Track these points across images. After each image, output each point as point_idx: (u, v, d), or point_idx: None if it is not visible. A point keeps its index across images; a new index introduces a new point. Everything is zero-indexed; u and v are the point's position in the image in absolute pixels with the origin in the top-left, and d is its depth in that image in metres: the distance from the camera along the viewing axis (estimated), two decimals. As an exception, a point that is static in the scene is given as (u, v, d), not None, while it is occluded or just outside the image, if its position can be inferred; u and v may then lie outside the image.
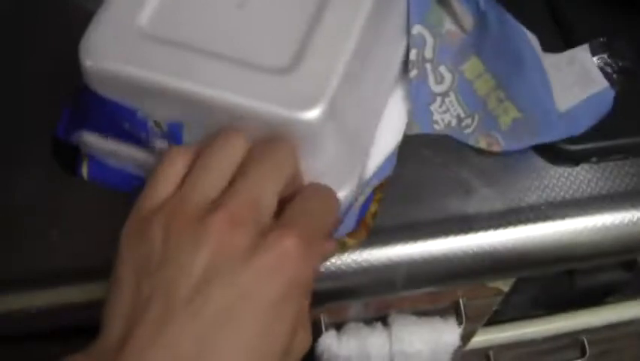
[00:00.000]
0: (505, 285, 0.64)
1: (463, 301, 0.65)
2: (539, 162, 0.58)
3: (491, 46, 0.58)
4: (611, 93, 0.57)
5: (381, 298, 0.61)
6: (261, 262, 0.36)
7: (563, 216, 0.56)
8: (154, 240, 0.36)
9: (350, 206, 0.51)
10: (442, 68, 0.58)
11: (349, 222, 0.52)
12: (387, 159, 0.54)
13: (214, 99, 0.43)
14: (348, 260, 0.53)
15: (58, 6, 0.62)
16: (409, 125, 0.56)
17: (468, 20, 0.58)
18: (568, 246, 0.56)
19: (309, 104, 0.43)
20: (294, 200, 0.41)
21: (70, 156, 0.53)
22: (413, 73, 0.56)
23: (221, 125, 0.44)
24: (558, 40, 0.61)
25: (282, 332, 0.36)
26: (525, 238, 0.55)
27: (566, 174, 0.57)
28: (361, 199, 0.52)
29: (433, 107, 0.57)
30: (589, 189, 0.57)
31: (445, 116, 0.57)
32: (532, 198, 0.56)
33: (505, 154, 0.57)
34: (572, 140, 0.57)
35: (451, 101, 0.58)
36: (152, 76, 0.44)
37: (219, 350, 0.34)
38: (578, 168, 0.58)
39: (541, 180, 0.57)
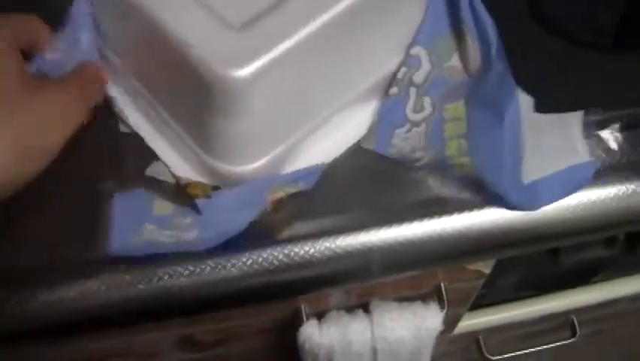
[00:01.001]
0: (486, 267, 0.64)
1: (444, 285, 0.64)
2: (513, 140, 0.57)
3: (481, 97, 0.55)
4: (592, 170, 0.55)
5: (359, 284, 0.60)
6: None
7: (538, 195, 0.55)
8: None
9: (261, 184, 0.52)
10: (426, 99, 0.56)
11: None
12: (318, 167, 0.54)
13: (158, 24, 0.46)
14: (322, 248, 0.53)
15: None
16: (366, 137, 0.55)
17: (476, 63, 0.56)
18: (545, 225, 0.55)
19: (238, 63, 0.44)
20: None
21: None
22: (393, 90, 0.55)
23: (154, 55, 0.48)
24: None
25: None
26: (500, 219, 0.55)
27: (540, 152, 0.57)
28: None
29: (398, 131, 0.55)
30: (563, 167, 0.56)
31: (404, 144, 0.55)
32: (507, 178, 0.56)
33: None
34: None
35: (417, 132, 0.55)
36: None
37: None
38: (552, 145, 0.57)
39: (516, 159, 0.56)
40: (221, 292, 0.53)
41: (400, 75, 0.54)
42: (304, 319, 0.63)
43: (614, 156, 0.57)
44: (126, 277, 0.51)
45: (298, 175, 0.53)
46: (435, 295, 0.65)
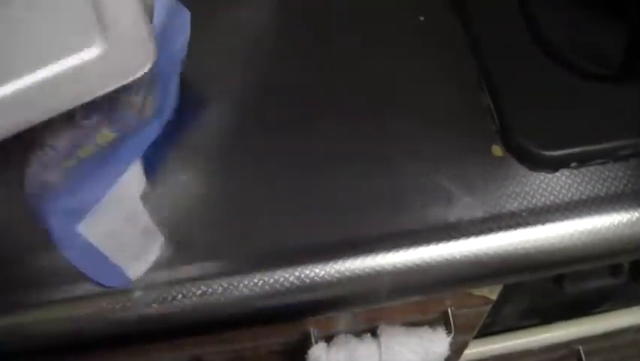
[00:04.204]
0: (492, 293, 0.65)
1: (451, 310, 0.65)
2: (519, 168, 0.58)
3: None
4: None
5: (367, 308, 0.61)
6: None
7: (543, 222, 0.56)
8: None
9: None
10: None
11: None
12: None
13: None
14: (332, 271, 0.54)
15: None
16: None
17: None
18: (549, 252, 0.56)
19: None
20: None
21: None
22: None
23: None
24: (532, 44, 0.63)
25: None
26: (507, 245, 0.56)
27: (546, 180, 0.58)
28: None
29: None
30: (569, 195, 0.58)
31: None
32: (512, 204, 0.57)
33: (485, 161, 0.58)
34: (551, 145, 0.58)
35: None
36: None
37: None
38: (557, 174, 0.58)
39: (521, 186, 0.58)
40: (232, 313, 0.54)
41: None
42: (313, 341, 0.64)
43: (619, 184, 0.58)
44: (140, 294, 0.53)
45: None
46: (442, 320, 0.66)
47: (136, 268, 0.53)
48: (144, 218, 0.53)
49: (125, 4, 0.46)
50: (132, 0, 0.46)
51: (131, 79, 0.48)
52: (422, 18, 0.65)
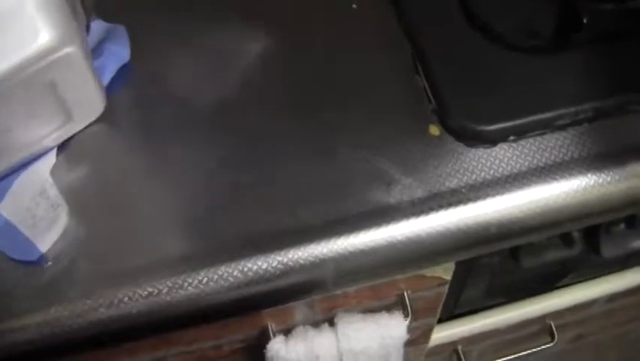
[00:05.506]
0: (446, 273, 0.65)
1: (407, 294, 0.65)
2: (457, 146, 0.59)
3: None
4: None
5: (316, 297, 0.61)
6: None
7: (484, 197, 0.57)
8: None
9: None
10: None
11: None
12: None
13: None
14: (274, 263, 0.54)
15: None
16: None
17: None
18: (491, 226, 0.57)
19: None
20: None
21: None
22: None
23: None
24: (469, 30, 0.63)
25: None
26: (447, 223, 0.56)
27: (485, 156, 0.58)
28: None
29: None
30: (508, 168, 0.58)
31: None
32: (452, 182, 0.57)
33: (423, 142, 0.58)
34: (487, 120, 0.58)
35: None
36: None
37: None
38: (496, 149, 0.59)
39: (460, 163, 0.58)
40: (179, 312, 0.54)
41: None
42: (271, 336, 0.64)
43: (558, 153, 0.58)
44: (88, 301, 0.53)
45: None
46: (399, 304, 0.66)
47: (46, 241, 0.54)
48: (53, 191, 0.55)
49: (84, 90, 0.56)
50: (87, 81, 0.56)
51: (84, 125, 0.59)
52: (355, 6, 0.66)
